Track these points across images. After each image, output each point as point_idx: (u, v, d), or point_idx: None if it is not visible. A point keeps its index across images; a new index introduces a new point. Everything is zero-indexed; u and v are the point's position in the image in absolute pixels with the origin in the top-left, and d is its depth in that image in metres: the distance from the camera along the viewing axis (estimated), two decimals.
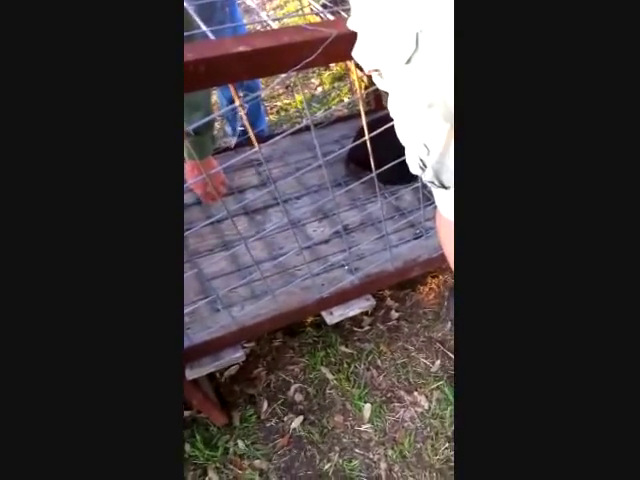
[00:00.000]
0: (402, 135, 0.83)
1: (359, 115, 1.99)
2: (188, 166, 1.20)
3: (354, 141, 1.60)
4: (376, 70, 0.71)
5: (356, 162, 1.62)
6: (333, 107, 2.22)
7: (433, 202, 1.36)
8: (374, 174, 1.14)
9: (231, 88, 0.81)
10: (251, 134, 0.91)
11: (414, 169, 0.89)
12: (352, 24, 0.71)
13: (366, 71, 0.74)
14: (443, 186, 0.86)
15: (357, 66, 2.59)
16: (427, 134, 0.74)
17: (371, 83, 2.01)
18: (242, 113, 1.58)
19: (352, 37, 0.74)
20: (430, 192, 1.29)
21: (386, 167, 1.16)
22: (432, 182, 0.86)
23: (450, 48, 0.59)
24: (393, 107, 0.77)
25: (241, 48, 0.71)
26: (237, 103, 0.81)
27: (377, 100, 1.98)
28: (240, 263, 1.35)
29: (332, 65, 2.44)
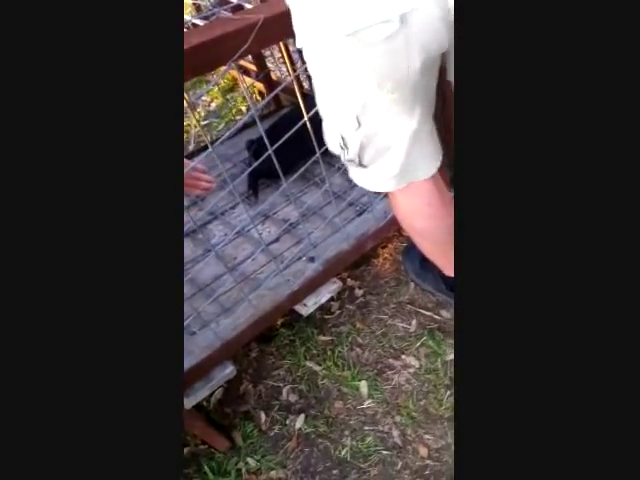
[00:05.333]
0: (329, 109, 0.84)
1: (264, 118, 2.02)
2: None
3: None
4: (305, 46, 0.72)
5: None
6: (238, 118, 2.22)
7: None
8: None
9: None
10: None
11: (334, 148, 0.90)
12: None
13: (298, 46, 0.76)
14: (362, 164, 0.87)
15: (245, 73, 2.57)
16: (362, 106, 0.76)
17: (268, 88, 2.04)
18: None
19: (280, 18, 0.76)
20: None
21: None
22: (352, 161, 0.87)
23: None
24: (325, 80, 0.78)
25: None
26: None
27: (277, 101, 2.01)
28: (200, 284, 1.31)
29: (220, 80, 2.44)
